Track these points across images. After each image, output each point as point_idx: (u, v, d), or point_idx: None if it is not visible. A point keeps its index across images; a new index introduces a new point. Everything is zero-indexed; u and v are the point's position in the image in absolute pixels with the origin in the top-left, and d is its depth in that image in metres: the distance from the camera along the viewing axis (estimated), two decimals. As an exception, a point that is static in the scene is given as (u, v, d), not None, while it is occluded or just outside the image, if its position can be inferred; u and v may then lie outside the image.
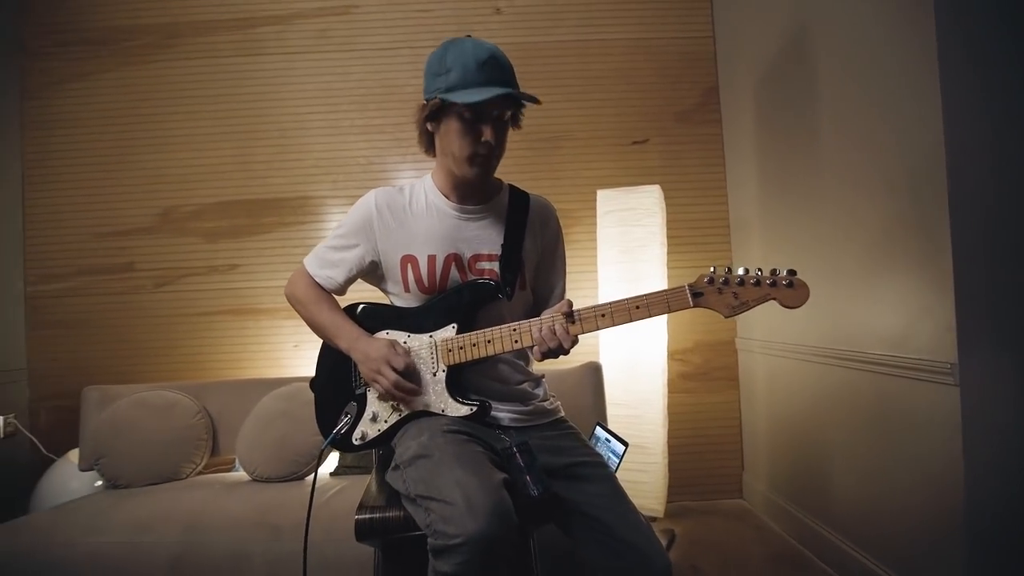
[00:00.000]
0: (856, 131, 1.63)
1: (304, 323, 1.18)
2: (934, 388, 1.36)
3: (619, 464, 1.52)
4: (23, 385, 2.36)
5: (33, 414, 2.36)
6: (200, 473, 1.97)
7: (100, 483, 1.94)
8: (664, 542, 1.95)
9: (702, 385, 2.43)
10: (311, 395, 1.19)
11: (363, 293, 1.20)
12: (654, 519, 2.09)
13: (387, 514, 1.04)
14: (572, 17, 2.48)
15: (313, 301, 1.15)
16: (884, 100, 1.51)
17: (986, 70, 1.32)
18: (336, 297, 1.19)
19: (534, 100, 1.03)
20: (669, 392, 2.34)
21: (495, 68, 1.01)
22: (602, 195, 2.09)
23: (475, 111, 1.01)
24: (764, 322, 2.21)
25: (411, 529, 0.99)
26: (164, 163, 2.42)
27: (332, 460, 1.99)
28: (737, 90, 2.33)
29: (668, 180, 2.36)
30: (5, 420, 2.24)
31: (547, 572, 1.19)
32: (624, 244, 2.01)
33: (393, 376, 1.02)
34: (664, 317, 2.11)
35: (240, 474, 1.98)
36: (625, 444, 1.54)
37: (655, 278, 2.03)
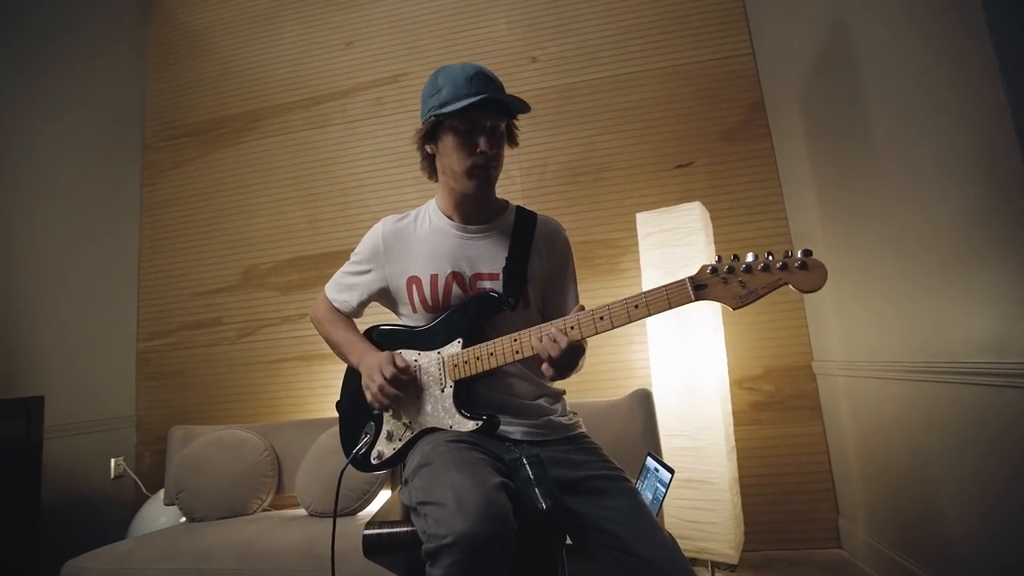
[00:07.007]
0: (912, 121, 1.48)
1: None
2: (1043, 396, 1.13)
3: (666, 493, 1.39)
4: (131, 430, 2.66)
5: (139, 457, 2.64)
6: (266, 509, 2.08)
7: (184, 519, 2.10)
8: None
9: (777, 416, 2.19)
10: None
11: (382, 316, 1.26)
12: (731, 568, 1.86)
13: (396, 529, 1.03)
14: (606, 55, 2.55)
15: (330, 321, 1.22)
16: (937, 83, 1.37)
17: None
18: (355, 320, 1.25)
19: (523, 106, 1.04)
20: (739, 424, 2.14)
21: (483, 80, 1.05)
22: (641, 218, 2.05)
23: (468, 123, 1.04)
24: (840, 341, 1.99)
25: (420, 544, 0.96)
26: (246, 228, 2.75)
27: (384, 496, 2.00)
28: (784, 100, 2.22)
29: (716, 201, 2.28)
30: (115, 462, 2.53)
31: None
32: (667, 266, 1.93)
33: (379, 380, 1.04)
34: (720, 339, 1.97)
35: (301, 511, 2.05)
36: (671, 471, 1.41)
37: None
